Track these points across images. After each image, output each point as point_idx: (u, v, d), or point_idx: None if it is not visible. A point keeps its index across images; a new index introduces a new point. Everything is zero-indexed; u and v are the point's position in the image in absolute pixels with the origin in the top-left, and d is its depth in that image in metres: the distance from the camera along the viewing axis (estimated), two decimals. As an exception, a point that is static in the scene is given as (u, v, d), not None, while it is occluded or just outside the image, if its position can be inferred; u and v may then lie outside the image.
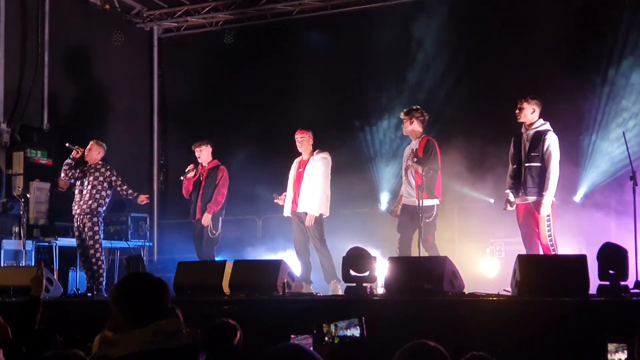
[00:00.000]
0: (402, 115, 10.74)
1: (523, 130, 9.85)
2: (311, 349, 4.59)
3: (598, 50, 13.02)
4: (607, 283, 7.61)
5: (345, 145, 13.91)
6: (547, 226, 9.55)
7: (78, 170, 11.79)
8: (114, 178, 11.76)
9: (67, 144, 12.05)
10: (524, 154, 9.76)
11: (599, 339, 5.77)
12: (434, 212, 10.39)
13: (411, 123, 10.63)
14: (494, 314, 7.58)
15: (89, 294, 11.21)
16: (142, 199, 11.89)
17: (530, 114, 9.75)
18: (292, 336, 4.85)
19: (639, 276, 8.22)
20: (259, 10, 16.75)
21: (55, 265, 12.89)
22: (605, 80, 12.86)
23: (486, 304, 7.94)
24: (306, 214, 10.98)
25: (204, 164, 12.08)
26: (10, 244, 12.88)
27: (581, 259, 7.89)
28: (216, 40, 17.28)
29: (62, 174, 11.92)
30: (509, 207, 9.93)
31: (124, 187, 11.85)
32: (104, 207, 11.70)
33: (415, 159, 10.29)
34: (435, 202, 10.42)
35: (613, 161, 12.35)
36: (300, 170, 11.19)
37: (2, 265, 12.41)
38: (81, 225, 11.58)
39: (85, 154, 11.81)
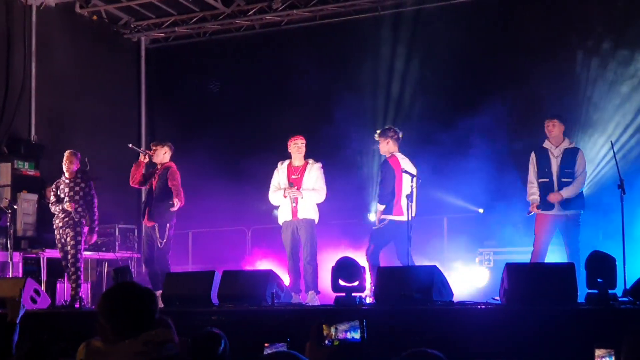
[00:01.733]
0: (376, 137, 10.80)
1: (547, 145, 10.14)
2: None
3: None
4: (596, 291, 7.61)
5: (335, 155, 13.91)
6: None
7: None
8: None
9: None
10: (555, 169, 10.06)
11: (588, 347, 5.77)
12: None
13: (387, 143, 10.69)
14: (482, 323, 7.57)
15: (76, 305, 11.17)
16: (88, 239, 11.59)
17: (560, 132, 10.17)
18: (266, 345, 4.83)
19: (627, 284, 8.23)
20: (248, 21, 16.76)
21: (43, 277, 12.83)
22: (594, 88, 12.93)
23: (475, 312, 7.95)
24: (306, 220, 10.81)
25: (158, 166, 11.56)
26: (-3, 256, 12.87)
27: (569, 268, 7.93)
28: (204, 51, 17.29)
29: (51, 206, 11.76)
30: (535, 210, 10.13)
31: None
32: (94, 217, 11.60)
33: None
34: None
35: (601, 170, 12.41)
36: (295, 176, 10.94)
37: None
38: (64, 237, 11.53)
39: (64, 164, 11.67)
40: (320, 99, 15.39)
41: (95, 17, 16.89)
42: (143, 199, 11.63)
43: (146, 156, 11.60)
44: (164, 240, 11.23)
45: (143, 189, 13.26)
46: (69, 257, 11.38)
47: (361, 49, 15.35)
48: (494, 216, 12.39)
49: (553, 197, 9.93)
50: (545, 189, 10.03)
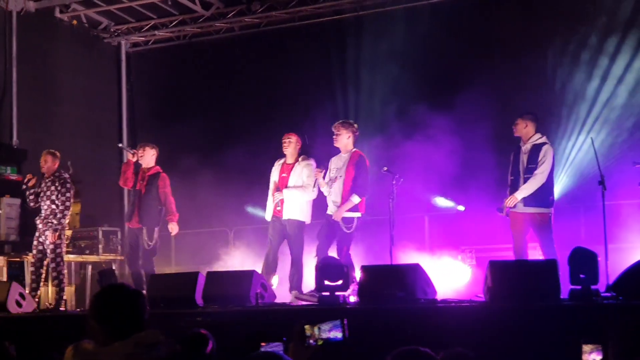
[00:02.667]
0: (338, 127, 10.70)
1: (521, 144, 10.12)
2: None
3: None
4: (579, 287, 7.66)
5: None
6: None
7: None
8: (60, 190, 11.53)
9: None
10: (522, 167, 10.01)
11: (572, 344, 5.81)
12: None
13: (349, 137, 10.68)
14: (466, 320, 7.62)
15: (61, 308, 11.18)
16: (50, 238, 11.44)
17: (523, 128, 10.07)
18: (263, 344, 4.85)
19: (610, 280, 8.31)
20: (227, 23, 16.79)
21: (27, 281, 12.82)
22: (572, 86, 13.05)
23: (459, 310, 8.00)
24: (292, 221, 10.74)
25: (144, 168, 11.60)
26: (-19, 261, 12.86)
27: (552, 264, 7.96)
28: (184, 54, 17.31)
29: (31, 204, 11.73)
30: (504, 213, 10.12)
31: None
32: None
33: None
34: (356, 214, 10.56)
35: (581, 166, 12.52)
36: (283, 175, 10.91)
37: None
38: (42, 236, 11.51)
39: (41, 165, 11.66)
40: (301, 99, 15.44)
41: (75, 22, 16.88)
42: (127, 201, 11.60)
43: (134, 155, 11.59)
44: (152, 243, 11.30)
45: (126, 190, 13.32)
46: (49, 259, 11.35)
47: (341, 50, 15.39)
48: (476, 214, 12.45)
49: (509, 202, 9.92)
50: (512, 187, 10.03)
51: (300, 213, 10.81)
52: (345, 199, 10.46)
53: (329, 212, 10.67)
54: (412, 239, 12.16)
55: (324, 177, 10.71)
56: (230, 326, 8.23)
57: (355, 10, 15.69)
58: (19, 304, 10.22)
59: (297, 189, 10.76)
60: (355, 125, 10.86)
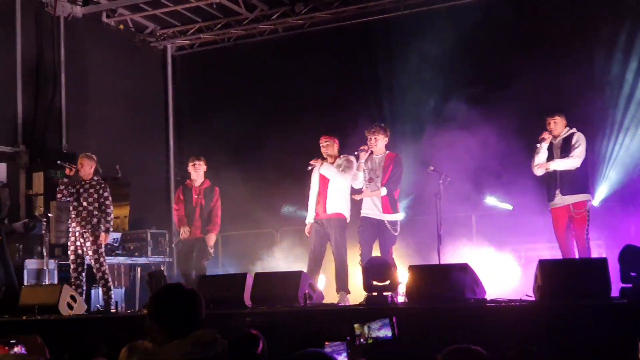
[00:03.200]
0: (377, 131, 10.61)
1: (553, 140, 10.15)
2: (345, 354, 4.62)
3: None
4: (629, 285, 7.59)
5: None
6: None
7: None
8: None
9: (58, 161, 12.12)
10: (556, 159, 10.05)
11: (624, 342, 5.76)
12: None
13: (386, 140, 10.68)
14: (516, 320, 7.56)
15: (112, 310, 11.28)
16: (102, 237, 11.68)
17: (562, 127, 10.14)
18: (327, 343, 4.88)
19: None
20: (271, 25, 16.85)
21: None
22: (624, 80, 12.92)
23: (508, 310, 7.93)
24: (336, 215, 10.70)
25: (196, 183, 11.80)
26: (33, 264, 13.00)
27: (602, 262, 7.89)
28: (228, 56, 17.40)
29: (58, 195, 11.85)
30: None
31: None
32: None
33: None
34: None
35: (630, 163, 12.39)
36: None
37: (25, 284, 12.49)
38: (80, 240, 11.63)
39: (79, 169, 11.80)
40: (345, 100, 15.44)
41: (121, 27, 17.07)
42: (183, 212, 11.80)
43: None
44: (212, 249, 11.76)
45: (173, 193, 13.53)
46: (93, 261, 11.48)
47: (385, 49, 15.38)
48: (524, 213, 12.37)
49: (542, 165, 10.05)
50: (548, 181, 10.09)
51: (344, 208, 10.77)
52: (383, 199, 10.44)
53: (368, 214, 10.61)
54: (460, 238, 12.10)
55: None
56: (279, 327, 8.26)
57: (398, 10, 15.66)
58: (70, 306, 10.33)
59: (338, 186, 10.72)
60: (389, 129, 10.84)
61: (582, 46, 13.54)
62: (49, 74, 15.33)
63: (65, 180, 11.76)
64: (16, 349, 6.25)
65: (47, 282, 12.43)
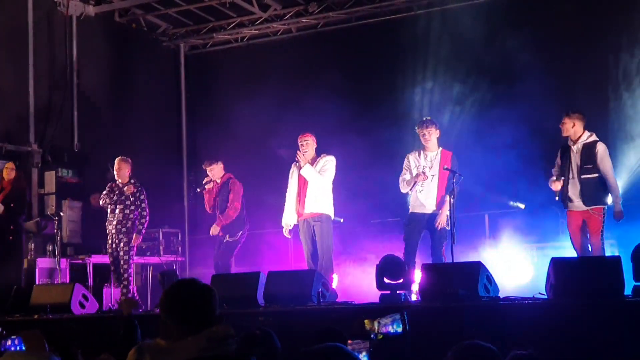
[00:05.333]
0: (431, 126, 10.46)
1: (570, 143, 9.95)
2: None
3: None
4: (642, 284, 7.57)
5: (375, 154, 13.93)
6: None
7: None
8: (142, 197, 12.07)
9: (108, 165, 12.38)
10: (575, 167, 9.84)
11: (637, 340, 5.74)
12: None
13: (437, 136, 10.57)
14: (529, 318, 7.55)
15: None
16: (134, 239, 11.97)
17: (571, 127, 9.89)
18: (350, 341, 4.87)
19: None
20: (284, 25, 16.85)
21: (90, 282, 12.99)
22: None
23: (522, 308, 7.92)
24: (319, 214, 10.76)
25: (217, 181, 12.14)
26: (45, 263, 13.07)
27: (615, 261, 7.86)
28: (242, 55, 17.39)
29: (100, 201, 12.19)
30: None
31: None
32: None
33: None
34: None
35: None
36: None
37: (38, 283, 12.52)
38: (116, 242, 11.79)
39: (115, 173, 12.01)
40: (359, 98, 15.41)
41: (134, 26, 17.08)
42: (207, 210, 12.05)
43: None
44: (233, 239, 11.97)
45: (186, 192, 13.62)
46: (122, 262, 11.64)
47: (399, 49, 15.34)
48: (537, 211, 12.33)
49: (618, 217, 9.82)
50: (565, 188, 9.87)
51: (326, 207, 10.85)
52: (440, 199, 10.36)
53: (418, 210, 10.52)
54: (473, 237, 12.07)
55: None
56: (293, 325, 8.25)
57: (411, 10, 15.63)
58: (82, 305, 10.35)
59: (319, 185, 10.79)
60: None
61: (595, 47, 13.49)
62: (61, 74, 15.36)
63: (108, 187, 12.09)
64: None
65: (58, 282, 12.45)
